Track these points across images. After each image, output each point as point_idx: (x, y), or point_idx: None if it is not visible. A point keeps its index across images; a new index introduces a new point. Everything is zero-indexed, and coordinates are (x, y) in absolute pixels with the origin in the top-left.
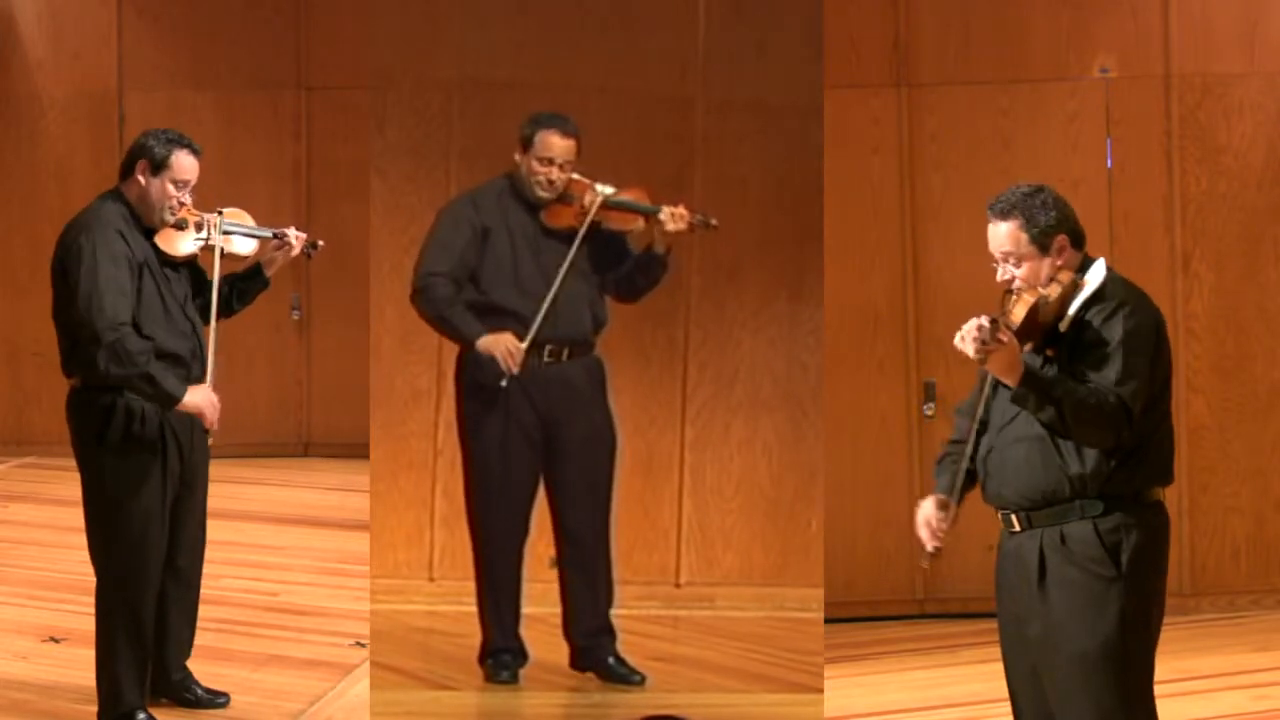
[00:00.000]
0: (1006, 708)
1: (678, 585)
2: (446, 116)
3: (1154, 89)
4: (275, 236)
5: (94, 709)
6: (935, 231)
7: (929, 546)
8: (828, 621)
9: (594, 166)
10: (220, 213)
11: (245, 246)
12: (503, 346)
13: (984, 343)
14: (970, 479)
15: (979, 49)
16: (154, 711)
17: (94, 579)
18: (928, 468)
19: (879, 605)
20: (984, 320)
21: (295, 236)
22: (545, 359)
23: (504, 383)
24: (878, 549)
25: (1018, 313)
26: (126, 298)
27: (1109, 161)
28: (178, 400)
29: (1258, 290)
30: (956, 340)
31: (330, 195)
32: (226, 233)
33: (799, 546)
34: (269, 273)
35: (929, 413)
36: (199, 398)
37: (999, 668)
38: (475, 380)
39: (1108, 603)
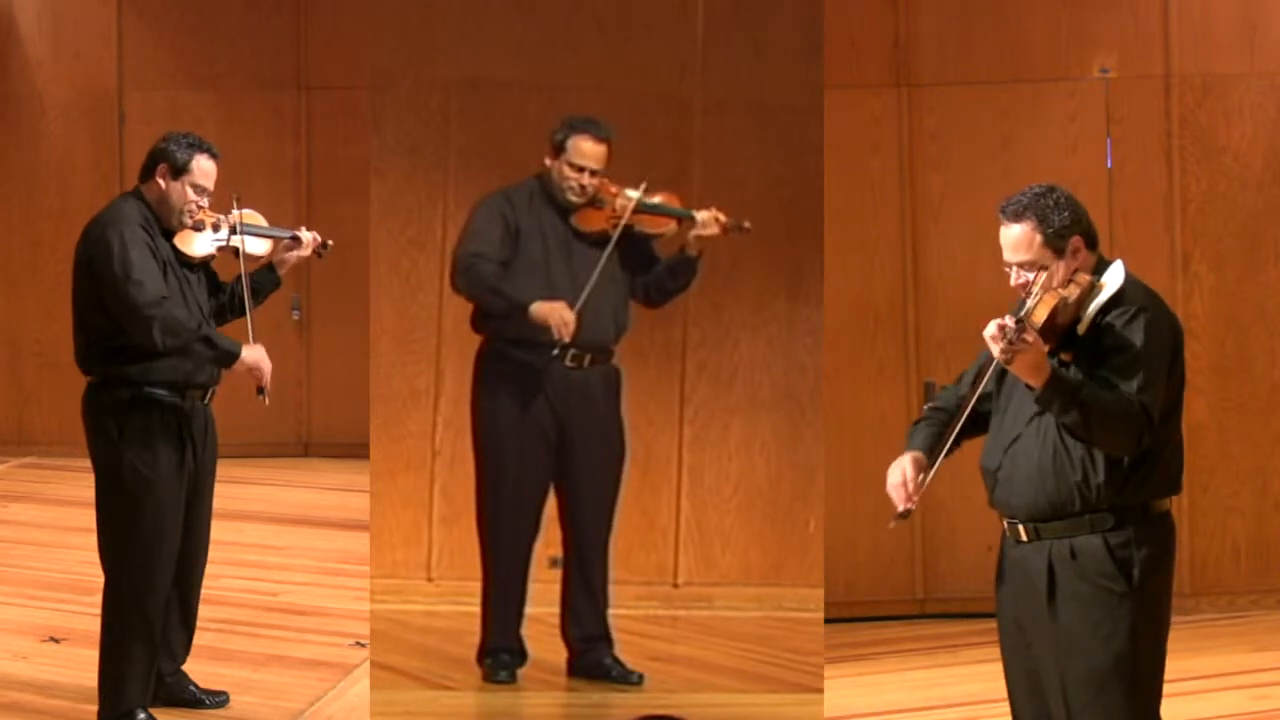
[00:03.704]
0: (1006, 708)
1: (676, 585)
2: (445, 116)
3: (1154, 89)
4: (291, 238)
5: (94, 708)
6: (935, 231)
7: (900, 507)
8: (828, 621)
9: None
10: (238, 213)
11: (260, 247)
12: (558, 315)
13: (1010, 343)
14: (952, 448)
15: (979, 49)
16: (153, 711)
17: (95, 579)
18: None
19: (879, 605)
20: (1008, 320)
21: (308, 237)
22: (567, 364)
23: (555, 351)
24: (878, 549)
25: (1040, 313)
26: (160, 279)
27: (1109, 161)
28: (237, 356)
29: (1258, 290)
30: (985, 337)
31: (330, 195)
32: (244, 233)
33: (798, 546)
34: (281, 272)
35: None
36: (257, 355)
37: (999, 668)
38: (495, 378)
39: (1119, 618)
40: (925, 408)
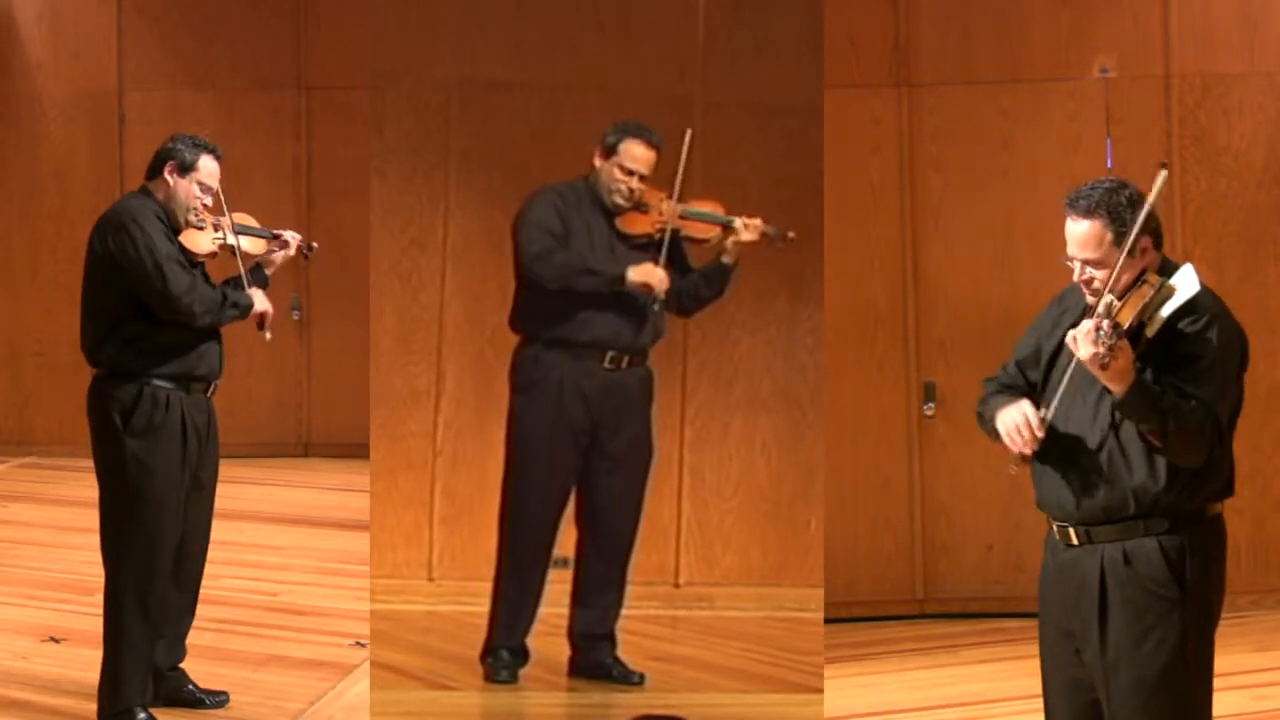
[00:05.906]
0: (1007, 708)
1: (677, 585)
2: (445, 116)
3: (1154, 89)
4: (274, 237)
5: (94, 708)
6: (935, 231)
7: (1026, 450)
8: (828, 621)
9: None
10: (229, 215)
11: (254, 247)
12: (656, 275)
13: (1109, 348)
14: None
15: (979, 49)
16: (153, 711)
17: (93, 579)
18: (928, 468)
19: (879, 605)
20: (1104, 323)
21: (292, 238)
22: (605, 365)
23: (656, 306)
24: (878, 549)
25: (1126, 315)
26: (184, 265)
27: (1109, 161)
28: (253, 304)
29: (1258, 290)
30: (1068, 341)
31: (330, 195)
32: (239, 233)
33: (798, 546)
34: (268, 272)
35: (929, 413)
36: (265, 302)
37: (999, 668)
38: (531, 378)
39: (1170, 626)
40: (995, 384)
